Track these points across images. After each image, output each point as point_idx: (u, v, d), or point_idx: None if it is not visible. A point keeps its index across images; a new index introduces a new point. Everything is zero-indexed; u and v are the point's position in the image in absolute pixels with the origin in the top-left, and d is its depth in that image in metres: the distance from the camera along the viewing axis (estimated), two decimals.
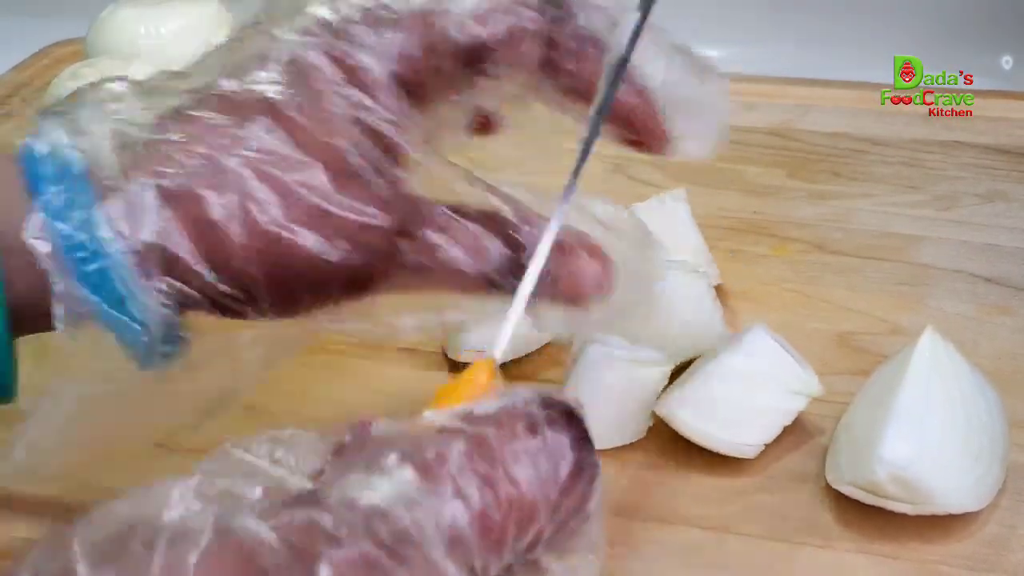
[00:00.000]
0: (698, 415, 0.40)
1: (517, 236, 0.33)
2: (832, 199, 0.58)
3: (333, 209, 0.30)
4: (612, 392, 0.41)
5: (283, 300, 0.31)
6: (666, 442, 0.42)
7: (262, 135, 0.30)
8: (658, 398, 0.41)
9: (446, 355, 0.47)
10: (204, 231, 0.29)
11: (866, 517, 0.38)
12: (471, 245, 0.33)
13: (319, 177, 0.30)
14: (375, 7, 0.32)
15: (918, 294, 0.50)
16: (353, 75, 0.31)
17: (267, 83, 0.31)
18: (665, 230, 0.50)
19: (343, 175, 0.30)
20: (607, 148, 0.66)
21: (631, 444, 0.42)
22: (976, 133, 0.64)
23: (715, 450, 0.40)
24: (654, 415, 0.41)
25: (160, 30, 0.64)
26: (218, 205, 0.29)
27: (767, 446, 0.40)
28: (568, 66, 0.33)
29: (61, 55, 0.77)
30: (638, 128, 0.34)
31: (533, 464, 0.23)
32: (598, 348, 0.42)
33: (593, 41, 0.33)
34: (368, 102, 0.31)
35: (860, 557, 0.37)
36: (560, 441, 0.24)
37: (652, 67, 0.34)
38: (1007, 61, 0.72)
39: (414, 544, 0.21)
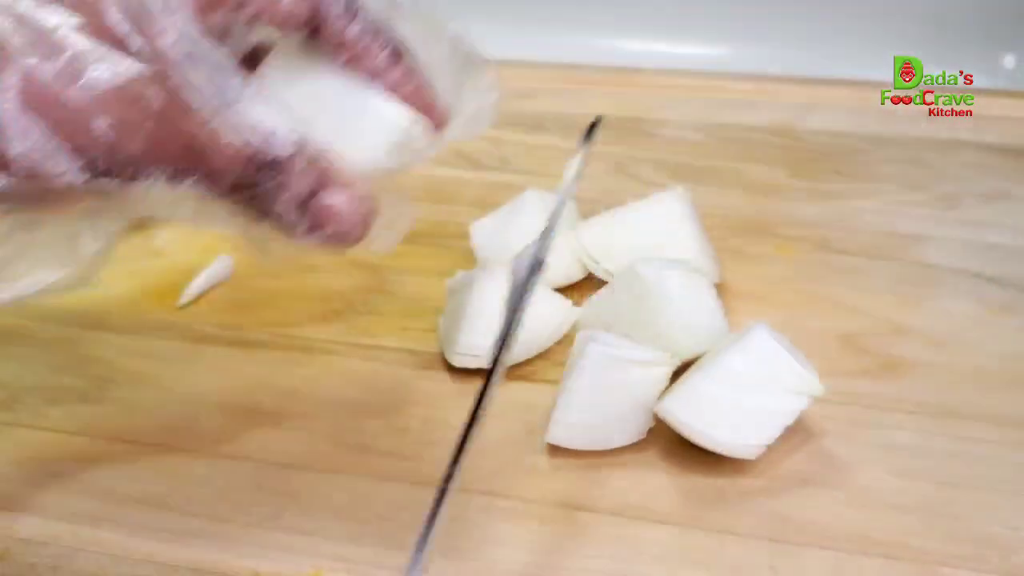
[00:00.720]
0: (698, 416, 0.40)
1: None
2: (835, 198, 0.58)
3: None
4: (612, 392, 0.41)
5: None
6: (666, 443, 0.41)
7: None
8: (659, 399, 0.41)
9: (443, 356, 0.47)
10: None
11: (867, 518, 0.38)
12: None
13: None
14: None
15: (921, 294, 0.50)
16: None
17: None
18: (666, 227, 0.50)
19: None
20: (611, 147, 0.66)
21: (631, 444, 0.42)
22: (980, 132, 0.64)
23: (716, 451, 0.40)
24: (655, 416, 0.41)
25: None
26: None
27: (768, 447, 0.40)
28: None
29: None
30: (420, 108, 0.36)
31: None
32: (599, 347, 0.41)
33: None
34: None
35: (861, 558, 0.37)
36: None
37: (428, 54, 0.36)
38: (1009, 60, 0.72)
39: None
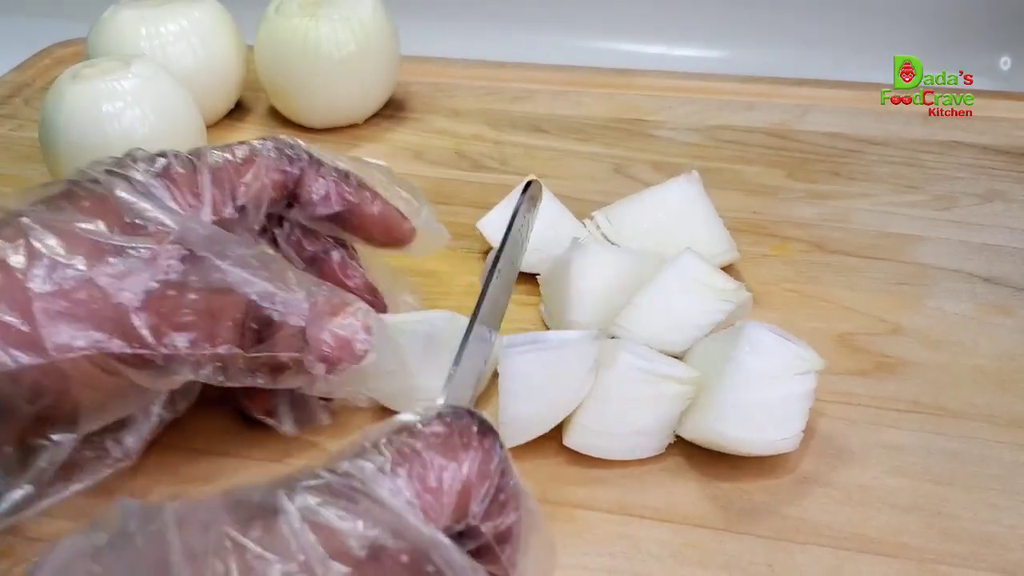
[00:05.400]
0: (734, 425, 0.39)
1: None
2: (832, 199, 0.58)
3: None
4: (639, 405, 0.40)
5: None
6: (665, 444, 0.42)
7: None
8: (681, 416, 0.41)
9: None
10: None
11: (864, 516, 0.39)
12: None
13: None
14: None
15: (917, 294, 0.50)
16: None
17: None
18: (679, 209, 0.51)
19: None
20: (610, 148, 0.66)
21: None
22: (975, 133, 0.64)
23: (757, 455, 0.40)
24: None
25: (161, 31, 0.64)
26: None
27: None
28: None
29: (62, 55, 0.77)
30: (390, 233, 0.43)
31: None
32: (630, 358, 0.40)
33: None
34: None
35: (858, 556, 0.37)
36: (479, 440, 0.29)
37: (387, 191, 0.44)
38: (1005, 62, 0.72)
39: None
